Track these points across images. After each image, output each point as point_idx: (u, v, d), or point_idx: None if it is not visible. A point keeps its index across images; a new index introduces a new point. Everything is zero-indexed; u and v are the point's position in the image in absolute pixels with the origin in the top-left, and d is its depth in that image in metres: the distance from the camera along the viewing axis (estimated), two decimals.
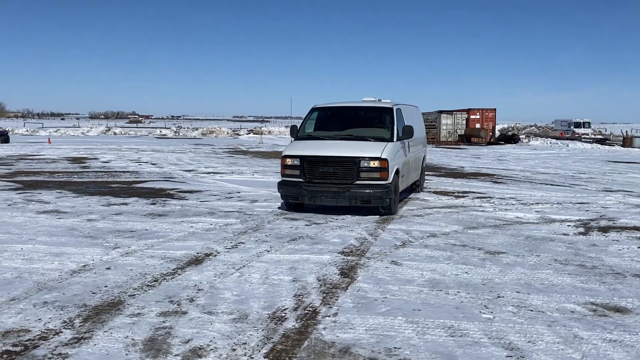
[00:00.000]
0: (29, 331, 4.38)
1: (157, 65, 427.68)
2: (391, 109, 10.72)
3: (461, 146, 39.26)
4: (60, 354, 3.98)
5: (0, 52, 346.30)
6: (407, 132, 10.28)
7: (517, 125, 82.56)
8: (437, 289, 5.61)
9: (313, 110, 11.36)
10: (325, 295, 5.39)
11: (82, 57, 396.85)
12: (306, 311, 4.93)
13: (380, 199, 9.47)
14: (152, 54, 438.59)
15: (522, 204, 11.53)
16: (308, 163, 9.66)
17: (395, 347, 4.18)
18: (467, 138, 42.29)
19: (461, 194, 12.92)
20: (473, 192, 13.29)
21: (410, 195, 12.48)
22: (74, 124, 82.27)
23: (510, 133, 49.31)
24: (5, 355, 3.94)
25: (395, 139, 10.15)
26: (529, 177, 17.51)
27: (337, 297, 5.34)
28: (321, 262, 6.57)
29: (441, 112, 44.44)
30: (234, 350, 4.09)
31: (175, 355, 3.98)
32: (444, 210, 10.54)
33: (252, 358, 3.96)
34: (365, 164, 9.43)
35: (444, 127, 43.78)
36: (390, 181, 9.56)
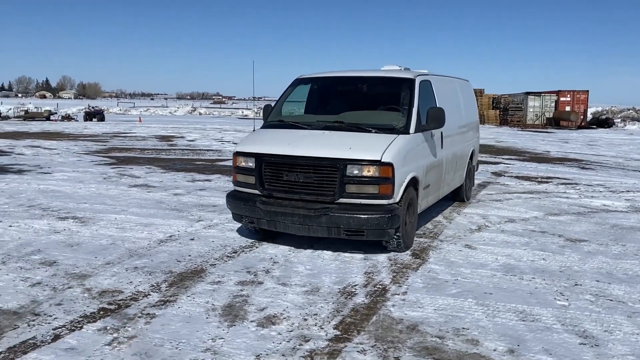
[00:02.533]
0: (122, 292, 4.81)
1: (239, 48, 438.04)
2: (411, 81, 6.75)
3: (549, 130, 37.40)
4: (148, 314, 4.36)
5: (97, 36, 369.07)
6: (435, 117, 6.45)
7: (612, 108, 77.14)
8: (511, 274, 5.52)
9: (296, 82, 7.55)
10: (395, 274, 5.46)
11: (171, 40, 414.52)
12: (376, 288, 5.04)
13: (378, 229, 5.65)
14: (235, 39, 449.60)
15: (610, 191, 10.92)
16: (267, 166, 6.00)
17: (463, 328, 4.20)
18: (556, 121, 40.21)
19: (545, 180, 12.41)
20: (558, 178, 12.72)
21: (485, 181, 12.11)
22: (162, 104, 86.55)
23: (603, 117, 46.22)
24: (102, 312, 4.37)
25: (412, 129, 6.26)
26: (621, 163, 16.46)
27: (407, 276, 5.40)
28: None
29: (528, 93, 42.50)
30: (305, 320, 4.28)
31: (251, 321, 4.24)
32: (524, 196, 10.19)
33: (322, 328, 4.13)
34: (355, 171, 5.60)
35: (531, 110, 41.88)
36: (396, 199, 5.76)
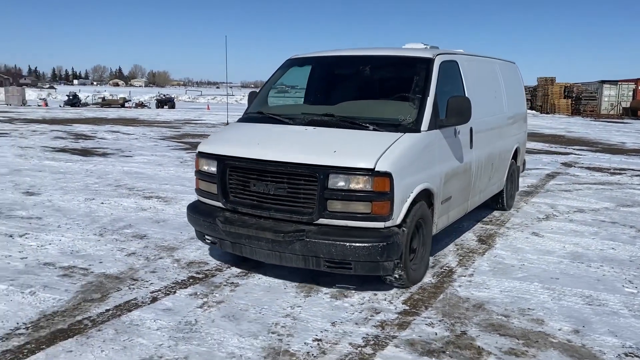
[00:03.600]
0: (207, 264, 5.28)
1: (302, 33, 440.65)
2: (427, 62, 5.16)
3: (625, 120, 35.65)
4: (232, 282, 4.79)
5: (166, 27, 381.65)
6: (458, 110, 4.86)
7: None
8: (578, 261, 5.58)
9: (289, 63, 6.03)
10: (461, 258, 5.65)
11: (234, 30, 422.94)
12: (442, 270, 5.26)
13: (369, 261, 4.23)
14: (296, 26, 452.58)
15: None
16: (231, 172, 4.68)
17: (529, 308, 4.36)
18: (633, 111, 38.29)
19: (618, 171, 12.06)
20: (632, 170, 12.31)
21: (554, 171, 11.90)
22: (228, 92, 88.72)
23: None
24: (191, 280, 4.84)
25: (425, 125, 4.73)
26: None
27: (474, 260, 5.57)
28: (459, 229, 6.78)
29: (603, 82, 40.61)
30: (376, 295, 4.57)
31: (325, 293, 4.57)
32: (595, 187, 10.00)
33: (392, 303, 4.41)
34: (340, 183, 4.21)
35: (606, 99, 40.07)
36: (397, 220, 4.31)
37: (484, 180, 6.30)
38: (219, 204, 4.76)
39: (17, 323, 3.88)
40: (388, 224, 4.23)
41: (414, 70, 5.12)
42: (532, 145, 16.73)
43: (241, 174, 4.60)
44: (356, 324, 4.02)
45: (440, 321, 4.09)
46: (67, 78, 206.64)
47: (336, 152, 4.29)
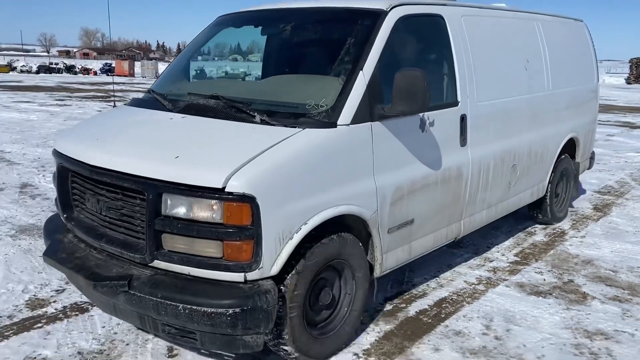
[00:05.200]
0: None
1: None
2: (373, 16, 3.41)
3: None
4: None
5: None
6: (406, 92, 3.04)
7: None
8: None
9: (219, 24, 4.37)
10: (575, 222, 5.92)
11: None
12: (555, 231, 5.60)
13: (221, 334, 2.67)
14: None
15: None
16: (63, 178, 3.36)
17: (638, 267, 4.63)
18: None
19: None
20: None
21: None
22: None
23: None
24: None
25: (348, 116, 3.04)
26: None
27: (587, 225, 5.83)
28: (573, 198, 6.96)
29: None
30: (489, 247, 5.07)
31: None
32: None
33: (504, 255, 4.89)
34: (179, 208, 2.68)
35: None
36: (268, 270, 2.69)
37: (499, 189, 4.45)
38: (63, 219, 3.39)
39: None
40: (252, 275, 2.63)
41: (352, 29, 3.38)
42: None
43: (75, 182, 3.25)
44: (470, 267, 4.58)
45: (549, 271, 4.52)
46: None
47: (178, 159, 2.74)
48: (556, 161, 5.39)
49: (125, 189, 2.84)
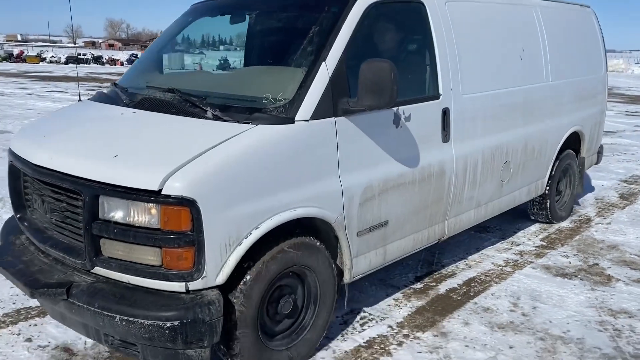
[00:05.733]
0: None
1: None
2: (341, 2, 3.13)
3: None
4: None
5: None
6: (372, 85, 2.77)
7: None
8: None
9: (194, 13, 4.09)
10: (600, 209, 6.03)
11: None
12: (580, 218, 5.73)
13: (161, 347, 2.48)
14: None
15: None
16: (13, 176, 3.19)
17: None
18: None
19: None
20: None
21: None
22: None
23: None
24: None
25: (307, 111, 2.79)
26: None
27: (613, 212, 5.94)
28: (599, 186, 7.05)
29: None
30: (515, 232, 5.23)
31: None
32: None
33: (530, 240, 5.05)
34: (116, 211, 2.48)
35: None
36: (212, 280, 2.48)
37: (489, 187, 4.20)
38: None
39: None
40: (195, 285, 2.46)
41: (318, 17, 3.15)
42: None
43: (20, 180, 3.12)
44: (497, 250, 4.76)
45: (574, 255, 4.68)
46: None
47: (117, 158, 2.57)
48: (557, 157, 5.08)
49: (65, 189, 2.65)
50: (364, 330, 3.40)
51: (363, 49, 3.13)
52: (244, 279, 2.58)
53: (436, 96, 3.53)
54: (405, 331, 3.39)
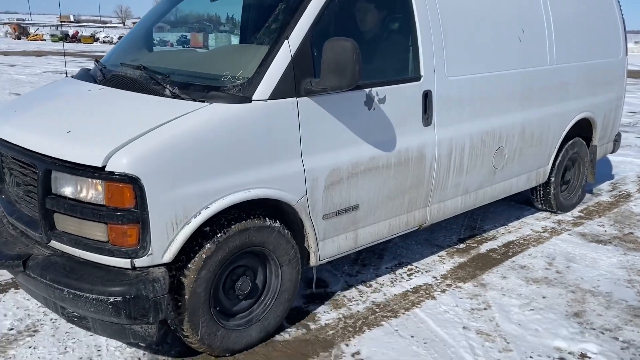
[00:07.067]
0: None
1: None
2: None
3: None
4: None
5: None
6: (334, 64, 2.72)
7: None
8: None
9: None
10: None
11: None
12: (620, 193, 5.96)
13: (108, 322, 2.59)
14: None
15: None
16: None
17: None
18: None
19: None
20: None
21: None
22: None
23: None
24: None
25: (266, 90, 2.76)
26: None
27: None
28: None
29: None
30: None
31: (509, 200, 5.65)
32: None
33: (569, 211, 5.35)
34: (66, 187, 2.55)
35: None
36: (158, 257, 2.52)
37: (478, 174, 4.04)
38: None
39: None
40: (141, 262, 2.52)
41: None
42: None
43: (1, 154, 3.10)
44: (536, 219, 5.09)
45: (610, 225, 4.96)
46: None
47: (69, 134, 2.65)
48: (562, 144, 4.84)
49: (25, 163, 2.74)
50: (410, 279, 3.84)
51: (334, 28, 3.05)
52: (194, 259, 2.61)
53: (417, 78, 3.40)
54: (448, 281, 3.81)
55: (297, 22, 2.86)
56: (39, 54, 28.61)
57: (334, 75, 2.72)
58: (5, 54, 27.47)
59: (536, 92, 4.37)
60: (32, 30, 58.53)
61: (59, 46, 38.87)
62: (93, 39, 50.02)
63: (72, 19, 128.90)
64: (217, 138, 2.58)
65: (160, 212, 2.44)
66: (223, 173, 2.61)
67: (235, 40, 4.27)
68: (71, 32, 53.35)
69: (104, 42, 48.37)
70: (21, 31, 55.35)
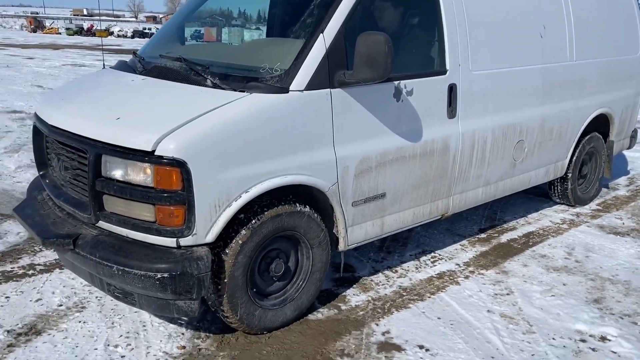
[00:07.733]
0: None
1: None
2: None
3: None
4: None
5: None
6: (367, 57, 2.86)
7: None
8: None
9: None
10: None
11: None
12: (637, 187, 6.06)
13: (154, 297, 2.75)
14: None
15: None
16: (36, 137, 3.45)
17: None
18: None
19: None
20: None
21: None
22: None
23: None
24: None
25: (302, 82, 2.90)
26: None
27: None
28: None
29: None
30: None
31: (527, 193, 5.77)
32: None
33: (587, 204, 5.46)
34: (116, 170, 2.72)
35: None
36: (202, 237, 2.68)
37: (499, 166, 4.18)
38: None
39: None
40: (186, 241, 2.66)
41: None
42: None
43: (41, 140, 3.37)
44: (555, 211, 5.22)
45: (628, 218, 5.08)
46: None
47: (119, 120, 2.81)
48: (580, 139, 4.97)
49: (75, 149, 2.90)
50: (435, 266, 3.98)
51: (366, 22, 3.23)
52: (231, 244, 2.76)
53: (443, 71, 3.53)
54: (471, 268, 3.95)
55: (332, 17, 3.00)
56: (55, 47, 28.94)
57: (366, 68, 2.85)
58: (23, 46, 27.82)
59: (556, 87, 4.48)
60: (47, 23, 59.06)
61: (74, 40, 39.29)
62: (108, 32, 50.37)
63: (85, 12, 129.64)
64: (257, 126, 2.73)
65: (204, 195, 2.58)
66: (262, 159, 2.75)
67: (256, 35, 4.50)
68: (86, 25, 53.83)
69: (118, 36, 48.72)
70: (37, 24, 55.89)
